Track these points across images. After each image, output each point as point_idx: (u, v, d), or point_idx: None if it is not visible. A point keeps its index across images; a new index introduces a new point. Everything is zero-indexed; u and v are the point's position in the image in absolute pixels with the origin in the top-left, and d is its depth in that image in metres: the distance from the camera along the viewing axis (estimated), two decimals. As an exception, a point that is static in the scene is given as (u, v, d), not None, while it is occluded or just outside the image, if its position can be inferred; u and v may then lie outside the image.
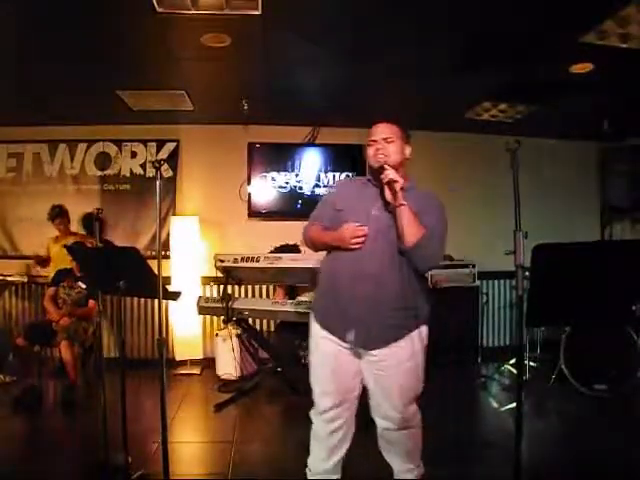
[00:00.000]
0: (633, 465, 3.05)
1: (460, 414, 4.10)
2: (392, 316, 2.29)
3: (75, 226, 5.21)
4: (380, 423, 2.47)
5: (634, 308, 1.85)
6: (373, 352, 2.33)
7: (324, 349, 2.44)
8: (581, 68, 3.93)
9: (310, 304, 3.82)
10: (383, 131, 2.40)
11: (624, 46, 3.48)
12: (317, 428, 2.53)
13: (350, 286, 2.31)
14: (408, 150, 2.45)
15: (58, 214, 4.84)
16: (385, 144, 2.36)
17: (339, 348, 2.38)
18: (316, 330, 2.48)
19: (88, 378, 4.55)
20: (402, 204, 2.19)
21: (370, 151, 2.40)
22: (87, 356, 4.62)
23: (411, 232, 2.18)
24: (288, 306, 4.13)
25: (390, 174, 2.21)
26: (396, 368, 2.32)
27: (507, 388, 4.75)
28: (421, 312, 2.38)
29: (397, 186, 2.19)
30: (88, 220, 5.26)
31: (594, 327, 4.24)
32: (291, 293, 4.75)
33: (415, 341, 2.35)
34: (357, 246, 2.29)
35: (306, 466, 2.59)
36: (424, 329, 2.40)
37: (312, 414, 2.55)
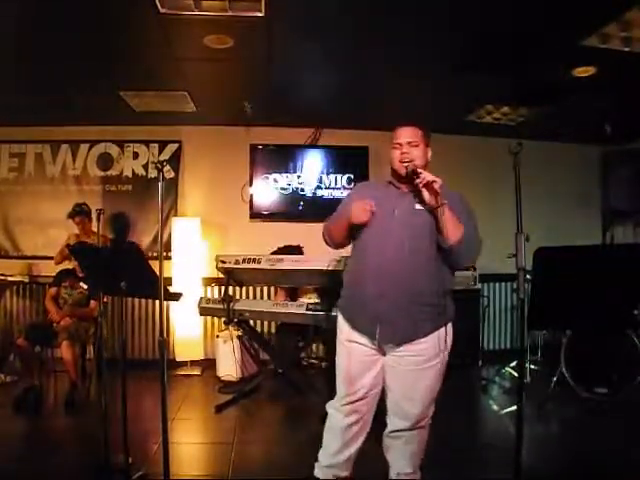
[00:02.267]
0: (633, 468, 3.04)
1: (461, 417, 4.09)
2: (418, 312, 2.31)
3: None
4: (395, 423, 2.47)
5: (635, 312, 1.85)
6: (399, 349, 2.35)
7: (350, 345, 2.47)
8: (583, 71, 3.93)
9: (316, 305, 3.87)
10: (408, 135, 2.41)
11: (627, 49, 3.48)
12: (333, 420, 2.55)
13: (375, 282, 2.34)
14: (430, 153, 2.49)
15: (78, 212, 4.79)
16: (410, 148, 2.38)
17: (365, 344, 2.41)
18: (342, 327, 2.51)
19: (89, 378, 4.54)
20: (444, 203, 2.21)
21: (395, 154, 2.41)
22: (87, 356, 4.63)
23: (454, 230, 2.21)
24: (289, 308, 4.13)
25: (427, 176, 2.22)
26: (422, 365, 2.34)
27: (508, 391, 4.74)
28: (448, 310, 2.40)
29: (436, 186, 2.20)
30: (114, 221, 5.31)
31: (595, 330, 4.23)
32: (292, 294, 4.76)
33: (441, 339, 2.36)
34: (366, 216, 2.30)
35: (316, 460, 2.60)
36: (450, 328, 2.41)
37: (329, 406, 2.58)
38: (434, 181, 2.20)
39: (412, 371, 2.36)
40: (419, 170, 2.25)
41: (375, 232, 2.37)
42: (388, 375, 2.43)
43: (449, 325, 2.41)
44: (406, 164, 2.32)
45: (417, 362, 2.34)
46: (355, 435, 2.52)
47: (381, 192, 2.49)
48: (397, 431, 2.48)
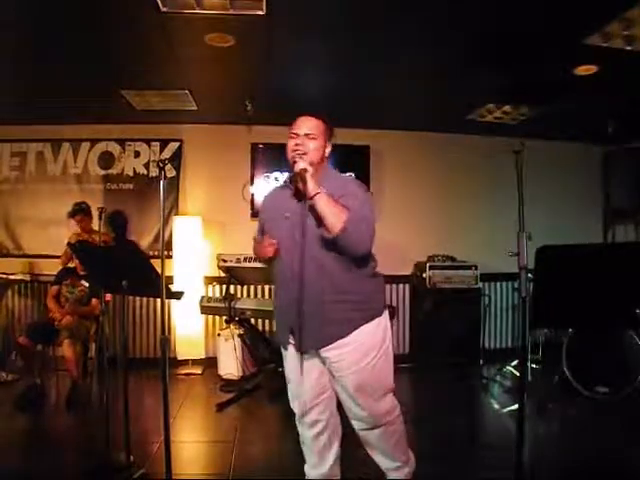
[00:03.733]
0: (634, 467, 3.04)
1: (462, 415, 4.09)
2: (330, 313, 2.23)
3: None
4: (354, 424, 2.44)
5: (637, 311, 1.85)
6: (324, 354, 2.29)
7: (286, 354, 2.46)
8: (585, 70, 3.92)
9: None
10: (306, 125, 2.31)
11: (629, 48, 3.47)
12: (302, 434, 2.52)
13: (283, 290, 2.34)
14: (329, 149, 2.40)
15: (78, 211, 4.79)
16: (306, 140, 2.28)
17: (296, 352, 2.35)
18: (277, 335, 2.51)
19: (90, 377, 4.55)
20: (317, 192, 2.12)
21: (289, 144, 2.32)
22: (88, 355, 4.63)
23: (334, 219, 2.09)
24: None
25: (301, 164, 2.17)
26: (352, 367, 2.27)
27: (509, 390, 4.74)
28: (370, 304, 2.33)
29: (307, 175, 2.14)
30: (113, 219, 5.30)
31: (596, 329, 4.23)
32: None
33: (368, 335, 2.29)
34: (270, 252, 2.29)
35: (304, 474, 2.59)
36: (378, 321, 2.33)
37: (296, 421, 2.54)
38: (305, 169, 2.15)
39: (345, 375, 2.30)
40: (297, 159, 2.21)
41: (277, 240, 2.31)
42: (329, 380, 2.40)
43: (378, 319, 2.32)
44: (298, 158, 2.24)
45: (347, 365, 2.27)
46: (327, 444, 2.48)
47: (277, 197, 2.48)
48: (361, 430, 2.44)
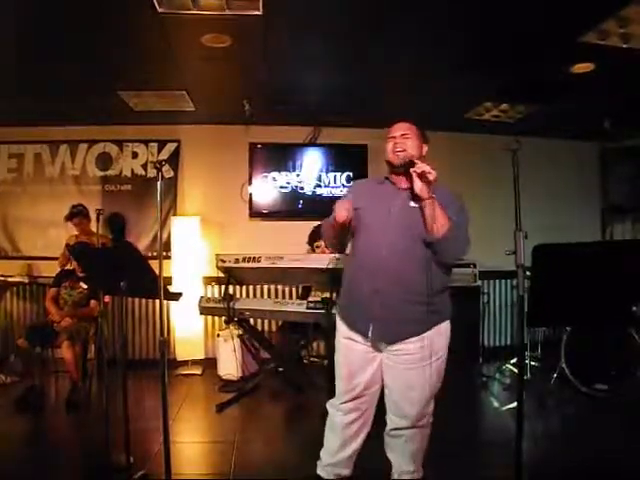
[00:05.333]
0: (633, 464, 3.05)
1: (461, 413, 4.09)
2: (411, 311, 2.32)
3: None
4: (394, 421, 2.48)
5: (635, 308, 1.85)
6: (394, 347, 2.36)
7: (346, 344, 2.50)
8: (582, 68, 3.93)
9: (316, 304, 3.87)
10: (401, 128, 2.46)
11: (625, 46, 3.48)
12: (334, 419, 2.57)
13: (370, 281, 2.36)
14: (425, 148, 2.51)
15: (76, 214, 4.78)
16: (403, 139, 2.42)
17: (361, 343, 2.43)
18: (339, 326, 2.54)
19: (89, 379, 4.55)
20: (432, 196, 2.23)
21: (388, 146, 2.46)
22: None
23: (440, 223, 2.22)
24: (289, 306, 4.13)
25: (422, 166, 2.23)
26: (418, 364, 2.34)
27: (508, 388, 4.75)
28: (443, 308, 2.42)
29: (431, 177, 2.21)
30: (111, 221, 5.30)
31: (595, 327, 4.24)
32: (304, 293, 4.78)
33: (437, 338, 2.38)
34: (344, 214, 2.29)
35: (319, 459, 2.62)
36: (446, 326, 2.43)
37: (329, 405, 2.60)
38: (429, 172, 2.21)
39: (408, 370, 2.36)
40: (415, 160, 2.27)
41: (370, 231, 2.40)
42: (385, 373, 2.45)
43: (445, 323, 2.42)
44: (399, 153, 2.37)
45: (412, 360, 2.35)
46: (355, 433, 2.53)
47: (376, 189, 2.51)
48: (397, 429, 2.48)
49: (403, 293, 2.31)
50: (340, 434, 2.54)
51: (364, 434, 2.56)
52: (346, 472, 2.58)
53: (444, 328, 2.42)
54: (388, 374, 2.44)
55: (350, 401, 2.49)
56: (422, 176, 2.23)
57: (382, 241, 2.34)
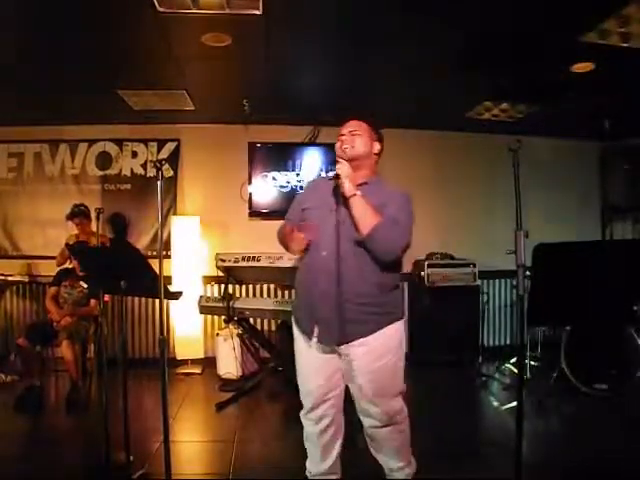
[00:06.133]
0: (633, 464, 3.05)
1: (461, 413, 4.11)
2: (353, 312, 2.29)
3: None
4: (364, 421, 2.48)
5: (635, 308, 1.85)
6: (344, 349, 2.34)
7: (301, 348, 2.49)
8: (582, 67, 3.93)
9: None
10: (350, 125, 2.47)
11: (625, 45, 3.48)
12: (307, 429, 2.56)
13: (314, 284, 2.35)
14: (377, 146, 2.50)
15: (77, 213, 4.78)
16: (351, 137, 2.42)
17: (314, 346, 2.40)
18: (294, 330, 2.53)
19: (89, 378, 4.55)
20: (353, 194, 2.24)
21: (337, 144, 2.46)
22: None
23: (365, 221, 2.22)
24: (289, 306, 4.13)
25: (340, 167, 2.28)
26: (369, 365, 2.33)
27: (508, 387, 4.75)
28: (391, 309, 2.39)
29: (342, 179, 2.25)
30: (113, 221, 5.30)
31: (595, 326, 4.24)
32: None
33: (388, 338, 2.36)
34: (302, 245, 2.34)
35: (306, 468, 2.60)
36: (396, 327, 2.40)
37: (301, 416, 2.57)
38: (337, 175, 2.28)
39: (364, 372, 2.35)
40: (339, 160, 2.33)
41: (319, 232, 2.36)
42: (343, 376, 2.44)
43: (395, 325, 2.39)
44: (346, 150, 2.38)
45: (360, 364, 2.33)
46: (331, 440, 2.52)
47: (323, 191, 2.48)
48: (370, 428, 2.48)
49: (345, 294, 2.28)
50: (318, 443, 2.52)
51: (340, 438, 2.55)
52: (335, 477, 2.56)
53: (394, 329, 2.39)
54: (345, 377, 2.43)
55: (315, 408, 2.47)
56: (337, 177, 2.29)
57: (324, 242, 2.32)
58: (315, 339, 2.38)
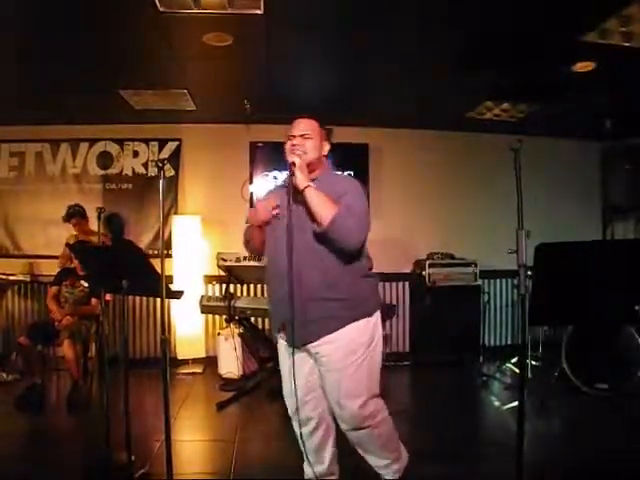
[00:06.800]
0: (634, 464, 3.05)
1: (462, 413, 4.11)
2: (316, 309, 2.25)
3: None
4: (340, 423, 2.42)
5: (637, 308, 1.85)
6: (313, 350, 2.31)
7: (280, 350, 2.48)
8: (583, 67, 3.93)
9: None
10: (302, 127, 2.39)
11: (626, 45, 3.47)
12: (296, 430, 2.50)
13: (275, 284, 2.36)
14: (327, 147, 2.47)
15: (72, 214, 4.78)
16: (302, 140, 2.35)
17: (287, 348, 2.37)
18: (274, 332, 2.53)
19: (90, 377, 4.55)
20: (307, 185, 2.20)
21: (287, 145, 2.39)
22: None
23: (323, 212, 2.16)
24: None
25: (293, 158, 2.25)
26: (337, 364, 2.28)
27: (509, 387, 4.75)
28: (358, 303, 2.32)
29: (296, 169, 2.21)
30: (109, 221, 5.30)
31: (596, 326, 4.24)
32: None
33: (356, 334, 2.30)
34: (266, 214, 2.33)
35: (303, 472, 2.59)
36: (365, 322, 2.33)
37: (292, 419, 2.53)
38: (293, 163, 2.23)
39: (330, 372, 2.30)
40: (292, 156, 2.28)
41: (274, 233, 2.36)
42: (317, 377, 2.40)
43: (364, 320, 2.33)
44: (299, 155, 2.30)
45: (330, 362, 2.29)
46: (322, 441, 2.48)
47: (280, 191, 2.46)
48: (345, 431, 2.41)
49: (306, 292, 2.23)
50: (309, 445, 2.48)
51: (332, 439, 2.51)
52: (332, 478, 2.54)
53: (362, 324, 2.32)
54: (319, 377, 2.39)
55: (300, 410, 2.39)
56: (290, 168, 2.25)
57: (281, 244, 2.26)
58: (283, 342, 2.38)
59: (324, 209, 2.17)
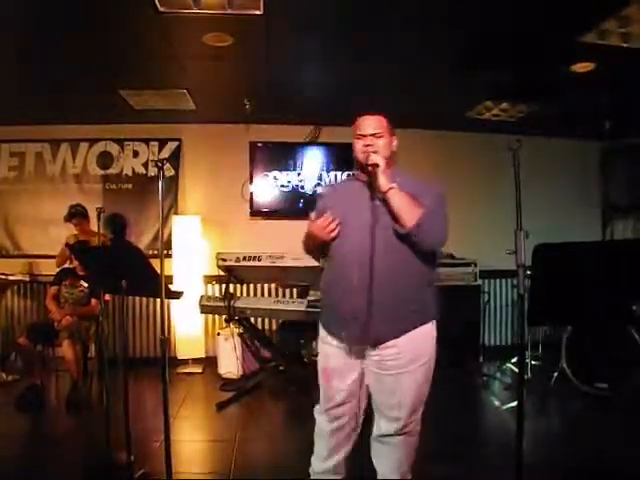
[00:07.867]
0: (633, 464, 3.05)
1: (462, 413, 4.11)
2: (390, 312, 2.21)
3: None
4: (380, 427, 2.40)
5: (635, 307, 1.85)
6: (372, 353, 2.28)
7: (327, 349, 2.42)
8: (582, 67, 3.93)
9: (316, 302, 3.86)
10: (372, 125, 2.29)
11: (625, 45, 3.47)
12: (321, 426, 2.50)
13: (345, 283, 2.26)
14: (395, 143, 2.38)
15: (74, 214, 4.77)
16: (375, 139, 2.27)
17: (339, 349, 2.34)
18: (321, 330, 2.47)
19: (90, 377, 4.55)
20: (391, 187, 2.14)
21: (358, 145, 2.30)
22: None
23: (408, 213, 2.12)
24: (290, 305, 4.14)
25: (373, 157, 2.18)
26: (403, 369, 2.26)
27: (508, 387, 4.75)
28: (425, 307, 2.32)
29: (379, 171, 2.16)
30: (110, 221, 5.30)
31: (595, 326, 4.24)
32: (302, 291, 4.76)
33: (418, 341, 2.29)
34: (332, 234, 2.26)
35: (310, 465, 2.58)
36: (430, 327, 2.34)
37: (315, 411, 2.53)
38: (376, 164, 2.17)
39: (392, 375, 2.27)
40: (371, 154, 2.21)
41: (344, 232, 2.29)
42: (370, 379, 2.36)
43: (429, 325, 2.33)
44: (372, 154, 2.22)
45: (391, 367, 2.26)
46: (342, 441, 2.46)
47: (346, 189, 2.43)
48: (383, 436, 2.40)
49: (378, 292, 2.17)
50: (327, 441, 2.47)
51: (351, 441, 2.48)
52: (338, 477, 2.53)
53: (427, 330, 2.32)
54: (373, 380, 2.34)
55: (333, 408, 2.40)
56: (372, 170, 2.18)
57: (355, 241, 2.22)
58: (344, 340, 2.31)
59: (409, 211, 2.13)
